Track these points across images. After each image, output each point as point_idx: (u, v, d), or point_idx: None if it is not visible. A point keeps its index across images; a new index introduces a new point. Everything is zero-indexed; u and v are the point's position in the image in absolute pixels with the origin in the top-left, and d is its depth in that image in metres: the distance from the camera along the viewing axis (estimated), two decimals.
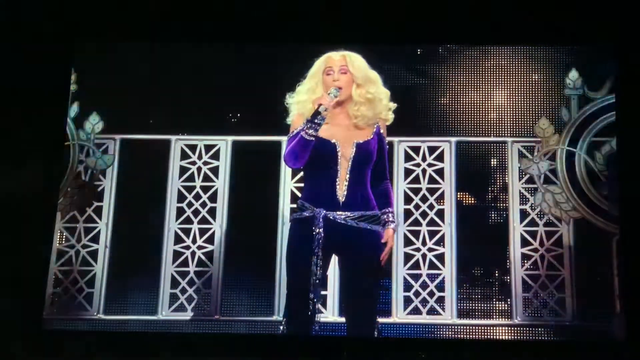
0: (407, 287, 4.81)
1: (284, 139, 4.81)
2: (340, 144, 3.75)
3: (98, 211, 5.01)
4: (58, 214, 4.97)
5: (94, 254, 4.96)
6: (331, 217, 3.70)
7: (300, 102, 3.84)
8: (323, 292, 4.72)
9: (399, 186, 4.90)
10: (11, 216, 4.77)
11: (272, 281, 4.82)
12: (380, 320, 4.67)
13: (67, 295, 4.90)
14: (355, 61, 3.82)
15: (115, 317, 4.85)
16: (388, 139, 4.74)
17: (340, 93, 3.73)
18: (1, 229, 4.75)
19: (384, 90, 3.90)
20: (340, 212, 3.71)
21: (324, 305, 4.74)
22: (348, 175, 3.74)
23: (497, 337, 4.69)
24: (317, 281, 3.68)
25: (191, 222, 4.98)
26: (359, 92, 3.79)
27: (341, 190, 3.73)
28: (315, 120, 3.63)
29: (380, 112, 3.86)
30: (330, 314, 4.74)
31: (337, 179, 3.73)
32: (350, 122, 3.81)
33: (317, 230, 3.67)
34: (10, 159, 4.83)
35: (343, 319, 4.14)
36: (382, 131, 3.87)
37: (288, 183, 4.92)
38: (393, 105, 3.94)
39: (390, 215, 3.81)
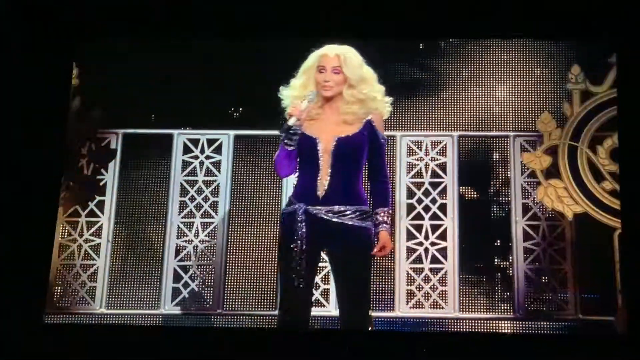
0: (410, 281, 4.82)
1: None
2: (322, 139, 3.71)
3: (100, 205, 5.01)
4: (60, 208, 4.97)
5: (96, 248, 4.96)
6: (311, 212, 3.67)
7: (292, 96, 3.81)
8: (325, 287, 4.75)
9: (402, 180, 4.91)
10: (13, 210, 4.77)
11: (274, 275, 4.82)
12: (383, 314, 4.74)
13: (70, 290, 4.91)
14: (350, 61, 3.73)
15: (117, 312, 4.86)
16: (391, 133, 4.80)
17: (326, 92, 3.71)
18: (4, 223, 4.75)
19: (378, 87, 3.81)
20: (320, 207, 3.67)
21: (327, 299, 4.75)
22: (330, 170, 3.69)
23: (500, 330, 4.70)
24: (300, 275, 3.65)
25: (193, 216, 4.99)
26: (351, 92, 3.72)
27: (322, 185, 3.69)
28: (290, 131, 3.63)
29: (375, 108, 3.78)
30: (333, 308, 4.73)
31: (318, 174, 3.70)
32: (338, 118, 3.75)
33: (299, 225, 3.66)
34: (12, 153, 4.82)
35: None
36: (374, 124, 3.76)
37: (290, 177, 4.91)
38: (389, 100, 3.85)
39: (384, 216, 3.71)
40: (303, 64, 3.84)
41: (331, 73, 3.73)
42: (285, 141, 3.67)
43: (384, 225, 3.70)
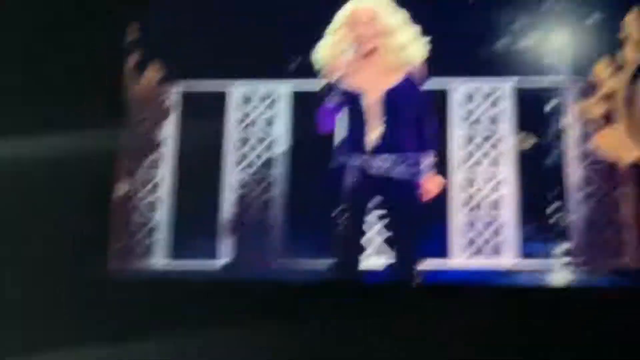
0: (466, 231, 4.83)
1: None
2: (368, 92, 3.70)
3: (158, 161, 5.08)
4: (118, 165, 5.05)
5: (154, 204, 5.04)
6: (360, 166, 3.68)
7: (325, 57, 3.80)
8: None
9: (456, 131, 4.91)
10: (71, 168, 4.85)
11: (329, 228, 4.85)
12: (439, 263, 4.76)
13: (130, 245, 4.99)
14: (381, 12, 3.65)
15: (178, 264, 4.94)
16: (445, 83, 4.81)
17: (365, 46, 3.70)
18: (63, 181, 4.83)
19: (413, 31, 3.69)
20: (368, 159, 3.68)
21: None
22: (377, 123, 3.69)
23: (557, 281, 4.69)
24: (348, 229, 3.67)
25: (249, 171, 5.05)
26: (388, 42, 3.72)
27: (370, 139, 3.69)
28: (331, 88, 3.63)
29: (414, 54, 3.77)
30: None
31: (365, 128, 3.71)
32: (380, 70, 3.73)
33: (347, 179, 3.67)
34: (70, 110, 4.89)
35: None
36: (416, 72, 3.68)
37: None
38: (425, 40, 3.79)
39: (428, 159, 3.65)
40: (332, 23, 3.83)
41: (365, 26, 3.73)
42: (327, 98, 3.67)
43: (429, 168, 3.73)
